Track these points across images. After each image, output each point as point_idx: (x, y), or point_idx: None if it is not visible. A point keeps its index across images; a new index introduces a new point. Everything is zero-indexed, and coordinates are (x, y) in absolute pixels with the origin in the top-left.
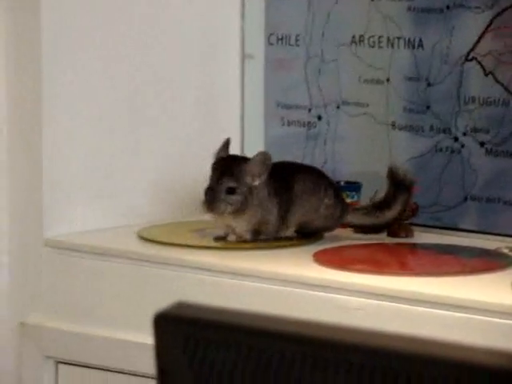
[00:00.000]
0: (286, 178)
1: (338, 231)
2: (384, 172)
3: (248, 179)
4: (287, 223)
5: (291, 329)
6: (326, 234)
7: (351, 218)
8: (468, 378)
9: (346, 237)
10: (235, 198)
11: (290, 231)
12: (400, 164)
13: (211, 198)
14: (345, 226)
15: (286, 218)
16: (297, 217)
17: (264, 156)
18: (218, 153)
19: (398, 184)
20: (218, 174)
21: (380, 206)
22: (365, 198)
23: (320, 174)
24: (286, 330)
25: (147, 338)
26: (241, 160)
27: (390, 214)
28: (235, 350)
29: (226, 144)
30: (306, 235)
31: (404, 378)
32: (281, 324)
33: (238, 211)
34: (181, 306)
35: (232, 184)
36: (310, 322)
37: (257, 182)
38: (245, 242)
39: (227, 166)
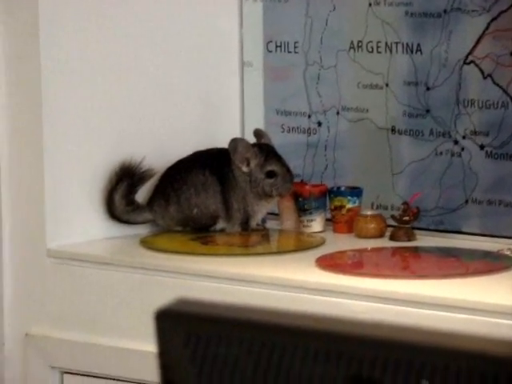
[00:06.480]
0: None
1: (340, 237)
2: (385, 177)
3: None
4: None
5: (293, 322)
6: (328, 240)
7: None
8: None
9: (348, 242)
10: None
11: None
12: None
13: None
14: None
15: None
16: None
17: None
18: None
19: None
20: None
21: None
22: (366, 203)
23: None
24: (288, 323)
25: (152, 347)
26: None
27: None
28: (237, 345)
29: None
30: None
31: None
32: (283, 318)
33: None
34: (182, 302)
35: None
36: (312, 316)
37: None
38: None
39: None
